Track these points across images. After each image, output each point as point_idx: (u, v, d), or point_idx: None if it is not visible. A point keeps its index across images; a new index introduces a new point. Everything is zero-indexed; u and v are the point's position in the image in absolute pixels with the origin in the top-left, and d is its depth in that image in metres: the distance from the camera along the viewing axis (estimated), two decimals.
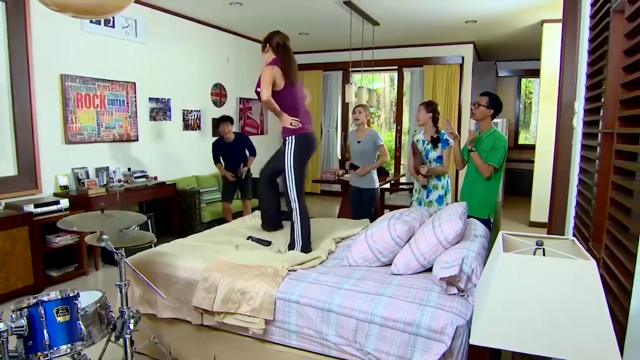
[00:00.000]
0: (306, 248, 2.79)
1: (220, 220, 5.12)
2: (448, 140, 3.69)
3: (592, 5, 2.08)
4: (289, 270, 2.36)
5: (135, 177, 4.86)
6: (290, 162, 2.79)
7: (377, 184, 4.28)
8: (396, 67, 7.85)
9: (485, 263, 1.67)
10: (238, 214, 5.15)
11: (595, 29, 1.99)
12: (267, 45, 2.87)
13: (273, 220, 3.18)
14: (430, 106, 3.78)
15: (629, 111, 1.53)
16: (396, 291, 2.09)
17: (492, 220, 3.27)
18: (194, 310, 2.35)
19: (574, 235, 2.22)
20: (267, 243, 2.97)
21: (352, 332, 2.00)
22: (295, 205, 2.81)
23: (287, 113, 2.79)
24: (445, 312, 1.89)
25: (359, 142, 4.21)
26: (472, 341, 1.30)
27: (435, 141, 3.72)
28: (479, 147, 3.26)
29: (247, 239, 3.03)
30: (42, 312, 1.72)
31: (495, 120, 7.04)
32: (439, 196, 3.79)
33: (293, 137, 2.79)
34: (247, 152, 5.28)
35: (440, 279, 2.05)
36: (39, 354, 1.70)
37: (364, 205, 4.26)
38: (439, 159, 3.73)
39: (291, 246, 2.83)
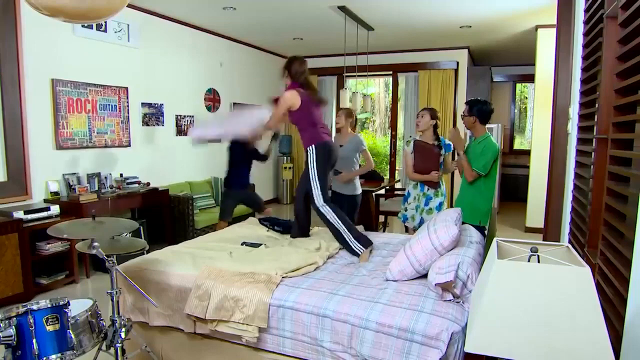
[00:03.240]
0: (365, 243, 2.79)
1: (213, 227, 5.05)
2: (450, 145, 3.67)
3: (586, 11, 2.09)
4: (283, 277, 2.33)
5: (128, 183, 4.81)
6: (313, 170, 2.95)
7: (359, 191, 4.20)
8: (391, 72, 7.87)
9: (480, 270, 1.66)
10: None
11: (589, 35, 2.00)
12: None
13: (303, 229, 3.29)
14: (434, 112, 3.74)
15: (622, 117, 1.54)
16: (391, 297, 2.08)
17: (486, 227, 3.26)
18: (186, 318, 2.32)
19: (569, 241, 2.22)
20: (259, 245, 2.98)
21: (347, 338, 1.98)
22: (325, 209, 2.92)
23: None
24: (440, 318, 1.88)
25: (341, 146, 4.08)
26: (467, 349, 1.29)
27: (439, 147, 3.69)
28: (470, 152, 3.27)
29: (242, 244, 3.01)
30: (32, 321, 1.69)
31: (490, 126, 7.08)
32: (439, 203, 3.73)
33: (313, 146, 2.97)
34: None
35: (435, 284, 2.03)
36: None
37: (347, 213, 4.20)
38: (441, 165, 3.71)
39: (348, 249, 2.84)
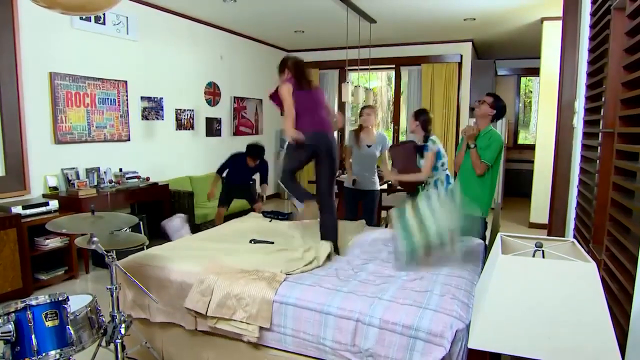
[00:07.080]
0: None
1: (213, 222, 5.03)
2: (428, 146, 3.56)
3: (593, 2, 2.06)
4: (287, 275, 2.31)
5: (127, 178, 4.79)
6: None
7: (378, 186, 4.24)
8: (393, 66, 7.80)
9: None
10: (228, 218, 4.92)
11: (596, 27, 1.97)
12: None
13: None
14: (420, 115, 3.65)
15: (629, 110, 1.51)
16: (396, 294, 2.06)
17: (487, 219, 3.24)
18: (187, 314, 2.30)
19: (574, 236, 2.20)
20: (271, 243, 2.95)
21: (350, 335, 1.96)
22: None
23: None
24: (445, 315, 1.86)
25: (369, 146, 4.06)
26: (471, 345, 1.28)
27: (419, 149, 3.59)
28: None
29: (250, 241, 2.97)
30: (31, 316, 1.68)
31: None
32: None
33: None
34: (257, 176, 5.00)
35: None
36: (27, 359, 1.65)
37: (367, 209, 4.19)
38: None
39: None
